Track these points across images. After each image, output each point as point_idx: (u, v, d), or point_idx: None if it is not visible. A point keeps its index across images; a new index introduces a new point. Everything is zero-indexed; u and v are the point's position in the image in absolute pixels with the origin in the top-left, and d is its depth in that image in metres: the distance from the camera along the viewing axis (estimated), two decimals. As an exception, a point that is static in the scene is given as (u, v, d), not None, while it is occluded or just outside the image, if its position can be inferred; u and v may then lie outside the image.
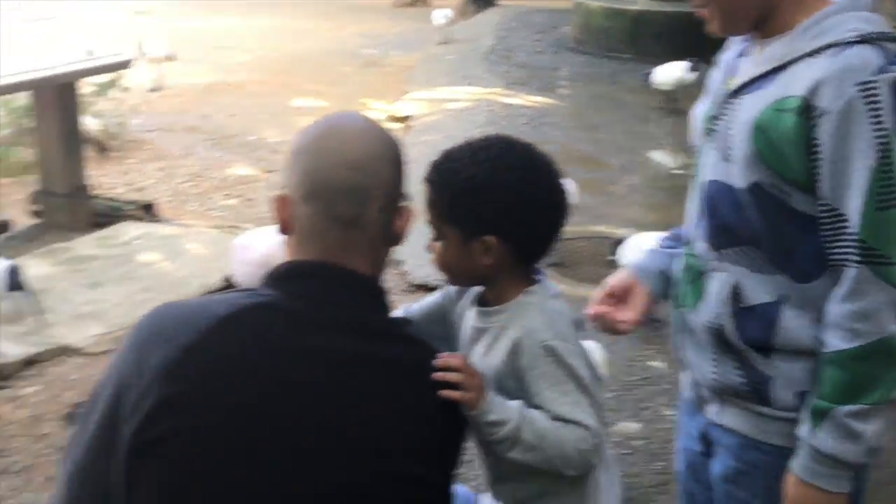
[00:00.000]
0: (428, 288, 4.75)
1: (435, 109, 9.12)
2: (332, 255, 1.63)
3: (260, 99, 10.89)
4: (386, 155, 1.67)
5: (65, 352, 4.56)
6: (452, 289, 1.98)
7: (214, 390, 1.51)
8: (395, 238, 1.71)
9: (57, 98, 6.03)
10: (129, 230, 6.20)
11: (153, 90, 11.00)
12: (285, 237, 1.69)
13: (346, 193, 1.61)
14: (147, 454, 1.49)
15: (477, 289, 1.90)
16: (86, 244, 5.95)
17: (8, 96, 7.29)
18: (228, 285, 4.59)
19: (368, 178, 1.63)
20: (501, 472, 1.84)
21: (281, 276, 1.64)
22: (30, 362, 4.44)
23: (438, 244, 1.82)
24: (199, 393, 1.50)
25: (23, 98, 7.35)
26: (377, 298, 1.67)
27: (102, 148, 8.70)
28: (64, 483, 1.58)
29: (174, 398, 1.49)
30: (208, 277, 5.28)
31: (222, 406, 1.50)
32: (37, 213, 6.42)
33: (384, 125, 1.72)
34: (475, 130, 1.97)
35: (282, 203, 1.66)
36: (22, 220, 6.45)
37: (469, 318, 1.89)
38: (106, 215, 6.40)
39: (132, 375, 1.53)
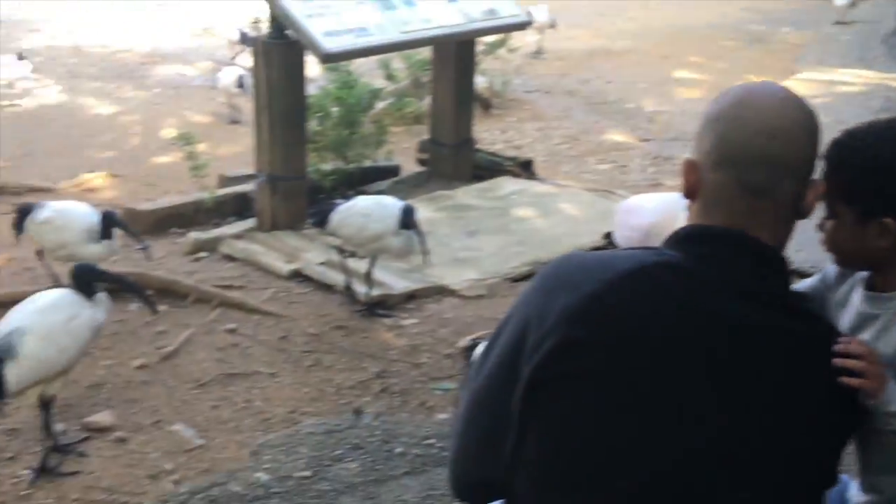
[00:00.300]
0: (803, 274, 4.57)
1: (825, 91, 8.68)
2: (737, 223, 1.61)
3: (640, 68, 10.88)
4: (804, 126, 1.63)
5: (442, 291, 4.87)
6: (831, 273, 1.90)
7: (613, 338, 1.56)
8: (803, 212, 1.67)
9: (455, 54, 6.34)
10: (506, 185, 6.47)
11: (536, 54, 11.35)
12: (689, 202, 1.70)
13: (760, 163, 1.59)
14: (543, 391, 1.57)
15: (862, 273, 1.82)
16: (466, 194, 6.29)
17: (409, 50, 7.78)
18: (606, 245, 4.65)
19: (785, 149, 1.59)
20: (879, 464, 1.76)
21: (684, 239, 1.66)
22: (411, 297, 4.78)
23: (830, 223, 1.76)
24: (599, 339, 1.56)
25: (423, 52, 7.83)
26: (779, 270, 1.64)
27: (486, 105, 9.12)
28: (465, 407, 1.70)
29: (574, 341, 1.56)
30: (580, 238, 5.37)
31: (620, 354, 1.55)
32: (422, 162, 6.85)
33: (803, 96, 1.68)
34: (869, 116, 1.87)
35: (690, 168, 1.67)
36: (409, 166, 6.92)
37: (854, 302, 1.81)
38: (485, 168, 6.71)
39: (536, 316, 1.61)
